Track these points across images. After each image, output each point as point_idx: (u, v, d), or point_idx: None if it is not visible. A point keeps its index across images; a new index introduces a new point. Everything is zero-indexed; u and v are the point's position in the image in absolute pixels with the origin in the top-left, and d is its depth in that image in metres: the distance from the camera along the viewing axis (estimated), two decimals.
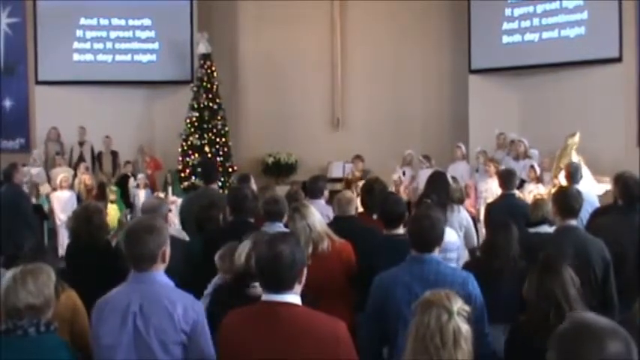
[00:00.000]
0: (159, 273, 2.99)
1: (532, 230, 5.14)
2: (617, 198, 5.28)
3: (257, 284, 3.40)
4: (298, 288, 2.73)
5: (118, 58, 13.48)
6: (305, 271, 2.75)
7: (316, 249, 4.17)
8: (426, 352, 2.36)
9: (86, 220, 4.67)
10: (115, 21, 13.46)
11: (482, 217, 9.19)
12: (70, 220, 4.96)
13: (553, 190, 6.47)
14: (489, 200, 9.23)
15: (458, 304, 2.44)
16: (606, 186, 8.74)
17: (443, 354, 2.35)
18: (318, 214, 4.39)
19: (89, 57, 13.39)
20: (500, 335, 3.57)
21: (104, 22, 13.43)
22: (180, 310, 2.89)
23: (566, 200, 4.37)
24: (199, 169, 10.48)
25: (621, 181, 5.19)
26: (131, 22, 13.51)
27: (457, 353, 2.36)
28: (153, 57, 13.58)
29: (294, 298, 2.70)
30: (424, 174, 7.43)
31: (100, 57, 13.42)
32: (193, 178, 11.90)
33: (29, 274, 2.98)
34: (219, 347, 2.85)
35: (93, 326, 3.02)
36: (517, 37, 12.58)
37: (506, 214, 6.10)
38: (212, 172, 6.51)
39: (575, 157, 9.94)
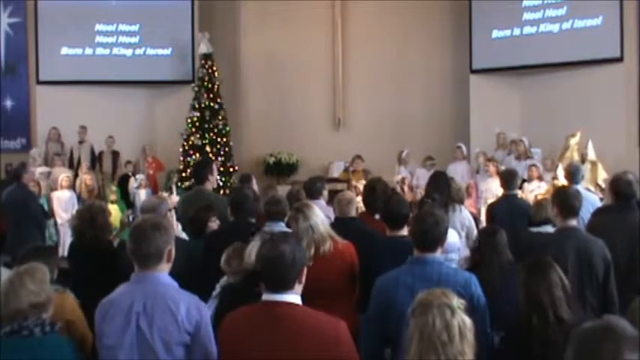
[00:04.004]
0: (162, 274, 2.99)
1: (534, 230, 5.14)
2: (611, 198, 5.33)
3: None
4: (299, 288, 2.74)
5: (119, 57, 13.48)
6: (305, 271, 2.75)
7: (318, 250, 4.16)
8: (433, 351, 2.39)
9: (90, 219, 4.66)
10: (116, 21, 13.45)
11: (483, 217, 9.23)
12: (73, 218, 4.95)
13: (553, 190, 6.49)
14: (490, 200, 9.26)
15: (455, 299, 2.49)
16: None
17: (450, 349, 2.39)
18: (321, 215, 4.37)
19: (90, 57, 13.38)
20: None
21: (105, 21, 13.41)
22: (184, 310, 2.89)
23: (566, 200, 4.37)
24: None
25: (613, 181, 5.25)
26: (132, 22, 13.50)
27: (464, 346, 2.42)
28: (154, 57, 13.58)
29: (294, 297, 2.71)
30: (427, 174, 7.46)
31: (101, 57, 13.42)
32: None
33: (26, 274, 3.00)
34: (220, 346, 2.85)
35: (97, 326, 3.02)
36: (519, 37, 12.58)
37: (507, 214, 6.13)
38: (202, 172, 6.40)
39: (576, 157, 10.00)
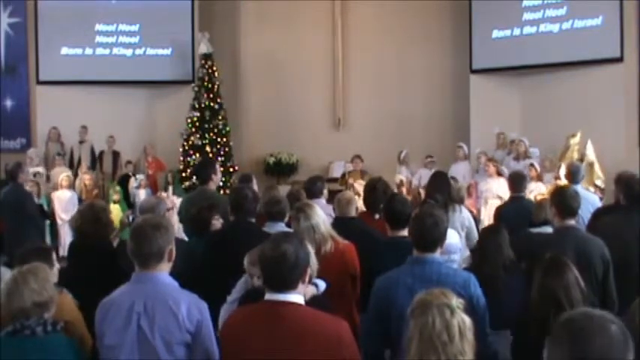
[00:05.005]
0: (162, 273, 2.99)
1: (535, 230, 5.14)
2: (618, 198, 5.29)
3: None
4: (302, 288, 2.73)
5: (119, 57, 13.48)
6: (309, 271, 2.75)
7: (319, 251, 4.16)
8: (433, 352, 2.39)
9: (93, 217, 4.64)
10: (116, 21, 13.45)
11: (482, 216, 9.24)
12: (75, 218, 4.91)
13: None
14: (490, 200, 9.28)
15: (454, 299, 2.49)
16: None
17: (450, 349, 2.39)
18: (323, 215, 4.36)
19: (90, 57, 13.38)
20: (502, 340, 3.57)
21: (105, 21, 13.42)
22: (185, 310, 2.89)
23: (564, 200, 4.36)
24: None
25: (623, 181, 5.20)
26: (132, 22, 13.50)
27: (464, 345, 2.42)
28: (154, 57, 13.58)
29: (297, 297, 2.70)
30: (428, 174, 7.46)
31: (101, 57, 13.42)
32: (194, 178, 11.91)
33: (29, 273, 3.00)
34: (222, 347, 2.85)
35: (97, 326, 3.03)
36: (519, 37, 12.58)
37: (515, 216, 6.11)
38: (205, 171, 6.39)
39: (576, 157, 10.01)
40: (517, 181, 6.81)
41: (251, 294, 3.78)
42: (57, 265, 3.89)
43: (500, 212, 6.69)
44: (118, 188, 10.97)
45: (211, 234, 4.97)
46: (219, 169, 6.63)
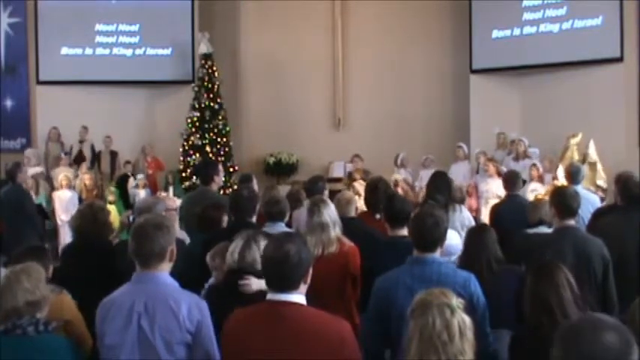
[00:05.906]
0: (163, 273, 2.98)
1: (531, 231, 5.14)
2: (617, 198, 5.29)
3: (248, 279, 3.41)
4: (304, 288, 2.72)
5: (119, 57, 13.47)
6: (311, 271, 2.74)
7: (323, 252, 4.17)
8: (433, 351, 2.39)
9: (92, 218, 4.64)
10: (116, 21, 13.45)
11: (482, 216, 9.24)
12: (74, 218, 4.92)
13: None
14: (490, 200, 9.27)
15: (454, 298, 2.49)
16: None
17: (450, 349, 2.39)
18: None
19: (90, 57, 13.38)
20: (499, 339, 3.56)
21: (105, 21, 13.42)
22: (185, 309, 2.89)
23: (564, 200, 4.36)
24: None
25: (621, 182, 5.21)
26: (132, 22, 13.50)
27: (464, 345, 2.42)
28: (154, 57, 13.58)
29: (299, 297, 2.70)
30: (429, 174, 7.45)
31: (101, 57, 13.42)
32: (194, 178, 11.91)
33: (22, 272, 3.00)
34: (223, 346, 2.84)
35: (98, 326, 3.03)
36: (519, 37, 12.58)
37: (511, 215, 6.12)
38: (207, 172, 6.40)
39: (576, 157, 10.01)
40: (511, 180, 6.84)
41: (211, 290, 3.79)
42: (52, 265, 3.90)
43: (495, 211, 6.70)
44: (113, 189, 10.92)
45: (210, 234, 4.97)
46: (221, 170, 6.63)
